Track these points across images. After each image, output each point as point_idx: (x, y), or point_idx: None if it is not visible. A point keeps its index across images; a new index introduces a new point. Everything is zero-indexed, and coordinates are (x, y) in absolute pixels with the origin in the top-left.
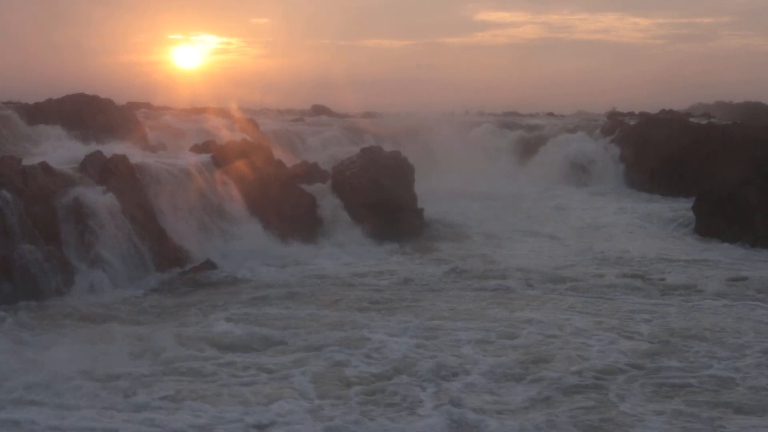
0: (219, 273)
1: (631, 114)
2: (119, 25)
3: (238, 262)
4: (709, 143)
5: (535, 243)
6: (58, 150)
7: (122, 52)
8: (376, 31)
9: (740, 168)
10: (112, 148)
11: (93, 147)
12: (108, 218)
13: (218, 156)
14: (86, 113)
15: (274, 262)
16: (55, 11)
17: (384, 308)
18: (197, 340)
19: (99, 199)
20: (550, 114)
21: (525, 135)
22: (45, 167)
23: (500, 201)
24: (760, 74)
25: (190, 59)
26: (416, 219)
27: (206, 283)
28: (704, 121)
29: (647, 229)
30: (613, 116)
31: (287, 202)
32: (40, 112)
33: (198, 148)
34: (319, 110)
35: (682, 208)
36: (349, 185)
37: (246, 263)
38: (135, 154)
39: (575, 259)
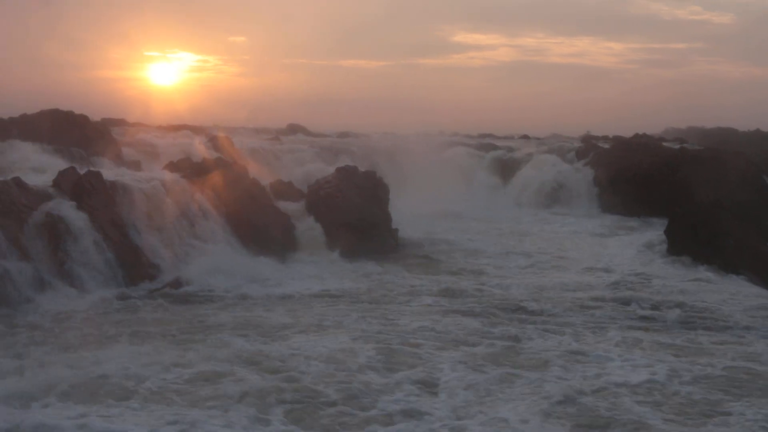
0: (189, 290)
1: (605, 137)
2: (96, 41)
3: (210, 279)
4: (681, 168)
5: (505, 267)
6: (32, 165)
7: (98, 68)
8: (353, 51)
9: (712, 192)
10: (86, 164)
11: (67, 163)
12: (80, 234)
13: (193, 173)
14: (61, 129)
15: (245, 281)
16: (31, 26)
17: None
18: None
19: (72, 214)
20: (525, 136)
21: (499, 157)
22: (18, 182)
23: (474, 223)
24: (731, 100)
25: (166, 76)
26: (391, 239)
27: (175, 300)
28: (677, 146)
29: (619, 252)
30: (587, 139)
31: (262, 220)
32: (14, 127)
33: (173, 166)
34: (295, 129)
35: (655, 231)
36: (324, 204)
37: (218, 281)
38: (109, 171)
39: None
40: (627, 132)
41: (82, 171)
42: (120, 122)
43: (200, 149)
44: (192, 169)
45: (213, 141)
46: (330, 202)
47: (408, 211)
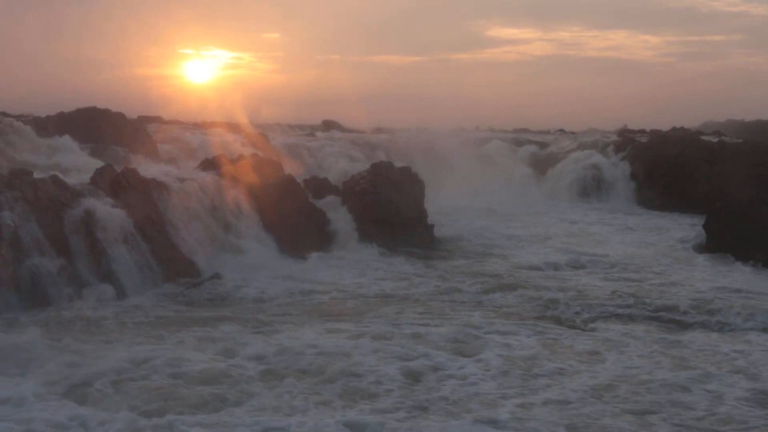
0: (226, 286)
1: (642, 131)
2: (131, 40)
3: (246, 276)
4: (720, 161)
5: (545, 264)
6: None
7: (134, 66)
8: (386, 47)
9: (751, 186)
10: (122, 162)
11: (104, 160)
12: (118, 231)
13: (229, 170)
14: (98, 126)
15: (282, 277)
16: (68, 26)
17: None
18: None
19: (109, 211)
20: (561, 131)
21: (536, 152)
22: (56, 180)
23: (511, 218)
24: None
25: (201, 73)
26: (426, 234)
27: (211, 298)
28: (715, 139)
29: (658, 247)
30: (624, 133)
31: (297, 216)
32: (52, 125)
33: (208, 162)
34: (329, 125)
35: (693, 226)
36: (360, 200)
37: (254, 277)
38: (145, 168)
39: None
40: (664, 126)
41: (118, 168)
42: (156, 120)
43: (235, 146)
44: (227, 166)
45: (248, 137)
46: (365, 198)
47: (444, 207)
